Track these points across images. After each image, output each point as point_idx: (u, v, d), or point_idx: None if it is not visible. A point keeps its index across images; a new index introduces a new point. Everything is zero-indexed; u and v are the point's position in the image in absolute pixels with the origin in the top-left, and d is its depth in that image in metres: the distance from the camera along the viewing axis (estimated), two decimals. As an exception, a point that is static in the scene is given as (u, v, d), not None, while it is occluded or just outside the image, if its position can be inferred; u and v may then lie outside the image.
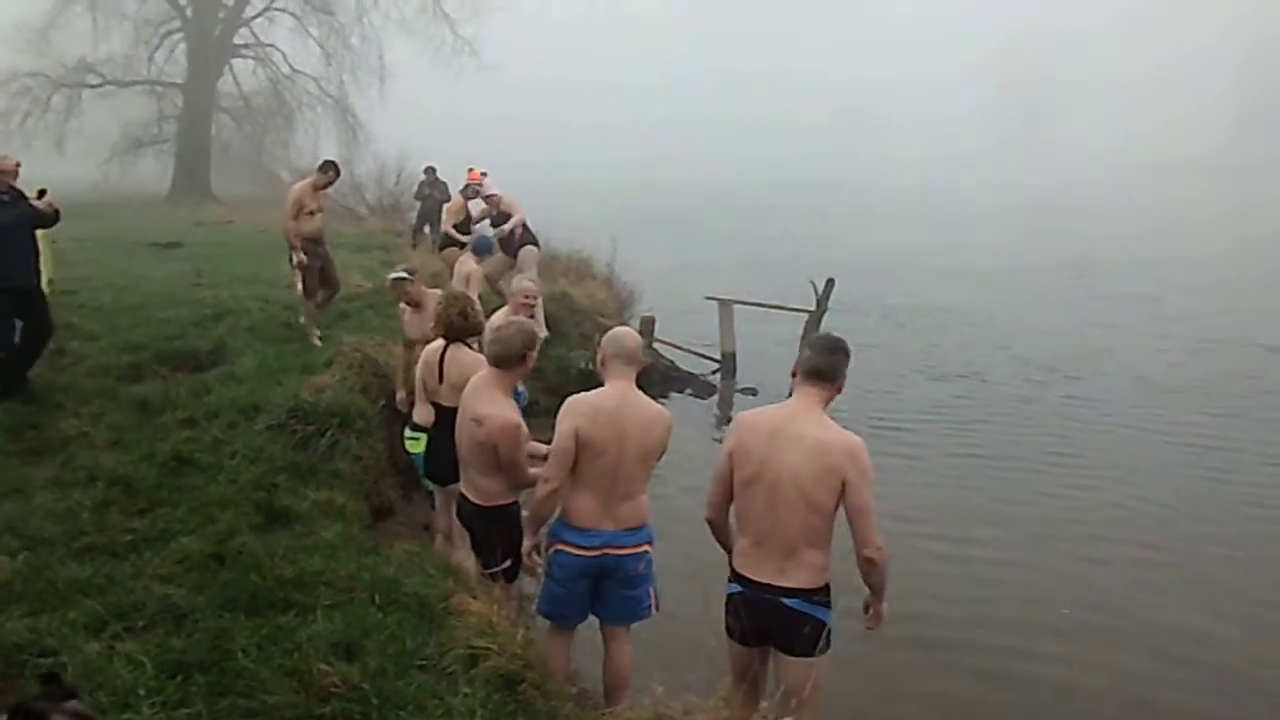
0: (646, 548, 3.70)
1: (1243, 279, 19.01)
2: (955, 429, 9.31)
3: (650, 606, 3.77)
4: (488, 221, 10.46)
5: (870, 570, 3.14)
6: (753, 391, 10.45)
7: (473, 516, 4.13)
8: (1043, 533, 6.82)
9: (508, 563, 3.98)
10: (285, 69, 29.99)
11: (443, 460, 4.78)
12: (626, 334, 3.74)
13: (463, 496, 4.28)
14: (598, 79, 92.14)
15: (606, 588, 3.71)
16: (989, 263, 21.61)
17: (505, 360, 3.93)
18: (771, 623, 3.20)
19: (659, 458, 3.69)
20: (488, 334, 4.32)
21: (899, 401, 10.00)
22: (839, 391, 3.25)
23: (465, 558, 4.64)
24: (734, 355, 10.90)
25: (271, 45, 29.87)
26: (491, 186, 9.90)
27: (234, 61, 29.76)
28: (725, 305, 11.06)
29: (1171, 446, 8.76)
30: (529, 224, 10.06)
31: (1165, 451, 8.62)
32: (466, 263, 8.19)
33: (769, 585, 3.17)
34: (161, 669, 3.19)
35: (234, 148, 30.70)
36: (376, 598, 3.78)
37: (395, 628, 3.52)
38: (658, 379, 10.65)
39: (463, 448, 4.04)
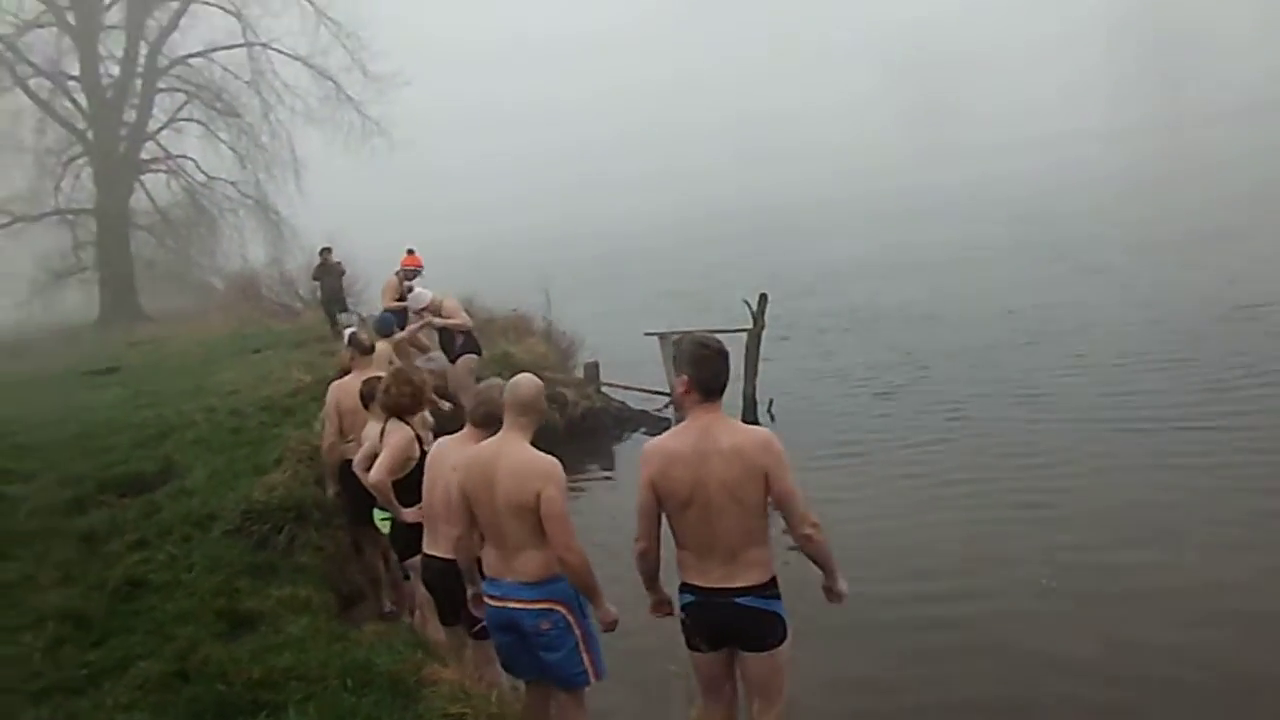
0: (550, 605, 3.45)
1: (1179, 239, 19.22)
2: (912, 447, 8.93)
3: (585, 674, 3.53)
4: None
5: (811, 548, 3.19)
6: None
7: (444, 573, 4.04)
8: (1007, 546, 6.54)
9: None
10: (200, 177, 29.80)
11: (407, 533, 4.81)
12: (521, 382, 3.65)
13: (430, 556, 4.22)
14: (504, 147, 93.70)
15: (529, 645, 3.53)
16: (922, 258, 21.98)
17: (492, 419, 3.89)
18: (728, 624, 3.23)
19: (556, 510, 3.35)
20: (471, 400, 4.25)
21: (851, 423, 9.88)
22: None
23: (439, 630, 4.59)
24: (683, 388, 10.99)
25: (183, 156, 29.69)
26: (426, 295, 9.09)
27: (144, 177, 29.48)
28: (665, 339, 11.16)
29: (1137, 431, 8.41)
30: (474, 332, 9.49)
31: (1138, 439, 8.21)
32: (381, 349, 8.08)
33: (720, 589, 3.20)
34: (132, 798, 3.09)
35: (158, 264, 30.28)
36: (349, 682, 3.71)
37: (370, 709, 3.47)
38: (610, 421, 10.79)
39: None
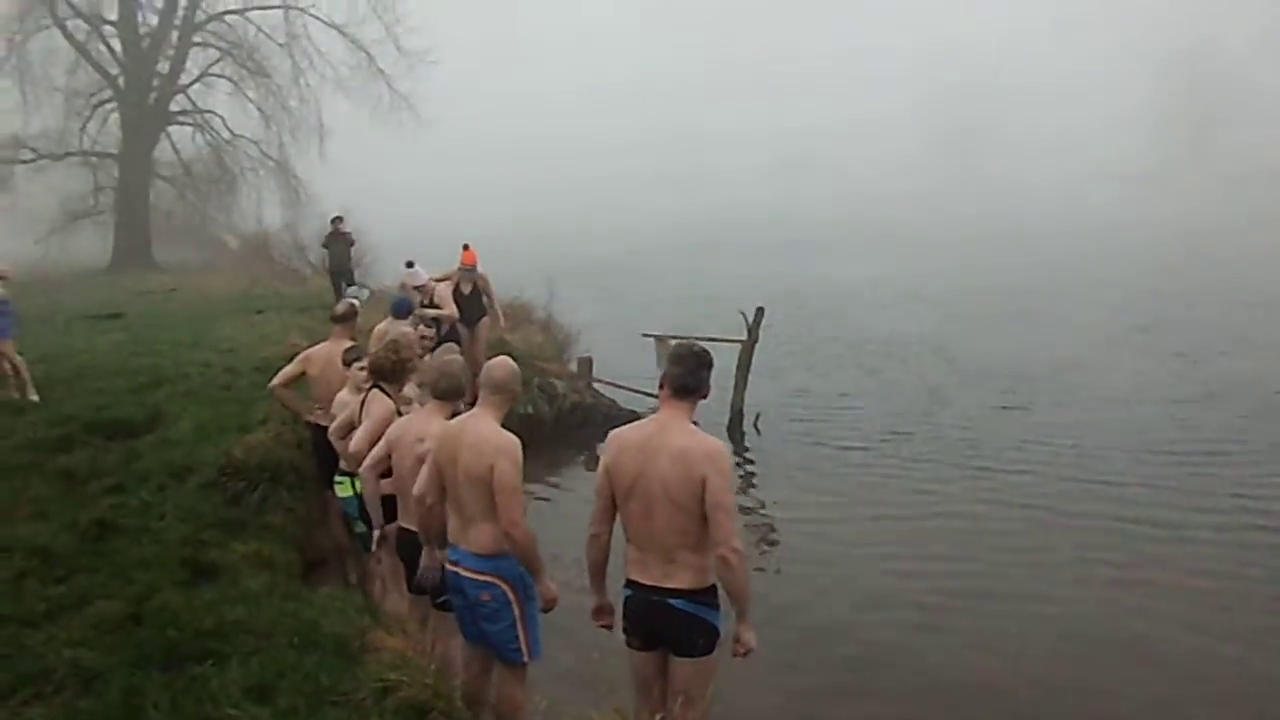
0: (492, 579, 3.56)
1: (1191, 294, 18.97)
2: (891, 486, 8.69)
3: (520, 652, 3.63)
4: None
5: (726, 572, 3.16)
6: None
7: (416, 546, 4.11)
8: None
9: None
10: (225, 134, 29.97)
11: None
12: (495, 364, 3.78)
13: (404, 529, 4.30)
14: (537, 136, 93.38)
15: (471, 614, 3.66)
16: (929, 290, 21.70)
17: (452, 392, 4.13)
18: (661, 624, 3.28)
19: (506, 484, 3.45)
20: (430, 373, 4.38)
21: (837, 455, 9.63)
22: (704, 398, 3.39)
23: (399, 601, 4.67)
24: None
25: (210, 111, 29.85)
26: (422, 275, 9.21)
27: (171, 129, 29.69)
28: (662, 341, 11.24)
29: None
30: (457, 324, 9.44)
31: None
32: (382, 325, 8.17)
33: (656, 587, 3.26)
34: (70, 731, 3.18)
35: (176, 215, 30.48)
36: (295, 640, 3.80)
37: (311, 667, 3.55)
38: (599, 418, 10.77)
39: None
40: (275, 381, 6.34)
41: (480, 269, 9.98)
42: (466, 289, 9.93)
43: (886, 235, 36.98)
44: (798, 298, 20.22)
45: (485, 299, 10.01)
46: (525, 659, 3.67)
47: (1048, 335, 15.75)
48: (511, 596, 3.59)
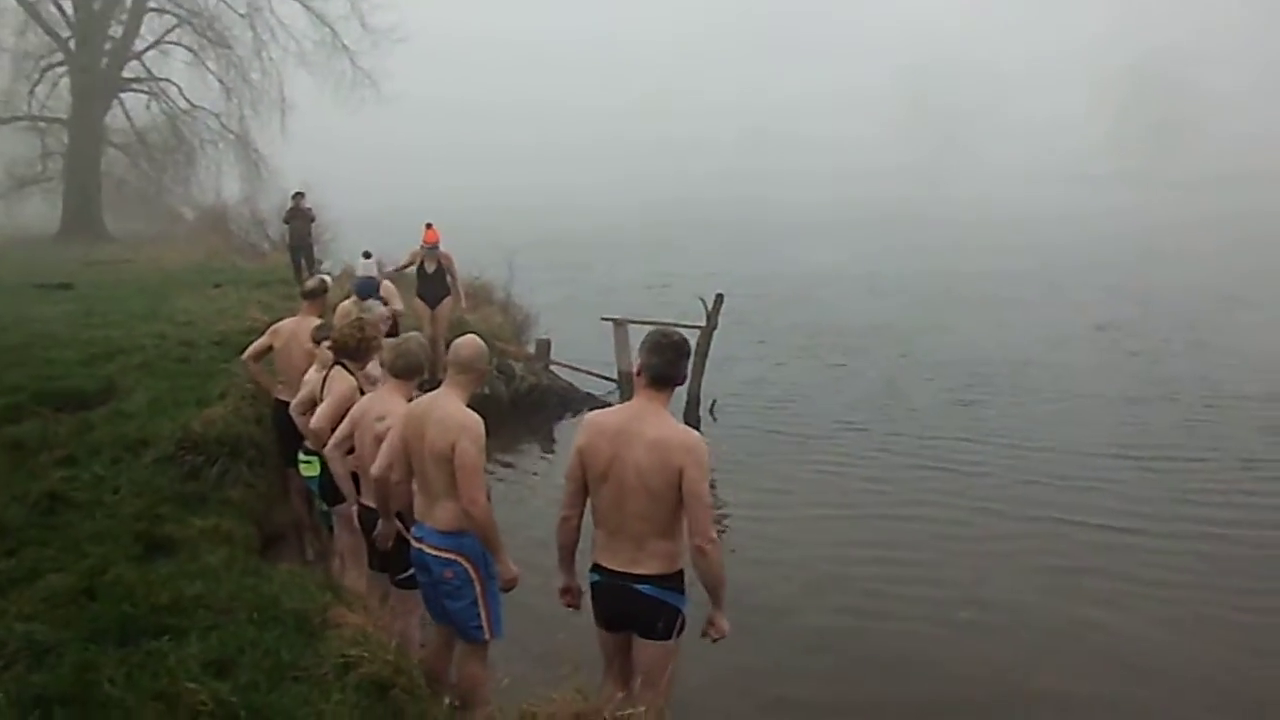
0: (454, 556, 3.58)
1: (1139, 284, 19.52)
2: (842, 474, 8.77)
3: (481, 630, 3.65)
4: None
5: (702, 561, 3.19)
6: None
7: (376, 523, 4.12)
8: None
9: (411, 570, 3.95)
10: (182, 104, 29.22)
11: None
12: (463, 343, 3.77)
13: (366, 506, 4.28)
14: (497, 100, 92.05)
15: (435, 591, 3.69)
16: (893, 276, 21.83)
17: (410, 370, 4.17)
18: (628, 608, 3.31)
19: (466, 462, 3.45)
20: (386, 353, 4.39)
21: (790, 448, 9.61)
22: (680, 385, 3.42)
23: (358, 579, 4.66)
24: (630, 374, 10.97)
25: (166, 80, 29.06)
26: (374, 268, 9.05)
27: (125, 96, 28.83)
28: (620, 325, 11.19)
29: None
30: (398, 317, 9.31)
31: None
32: (346, 303, 8.09)
33: (623, 573, 3.28)
34: (20, 705, 3.12)
35: (129, 184, 29.69)
36: (255, 616, 3.77)
37: (271, 643, 3.52)
38: (555, 401, 10.82)
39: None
40: (247, 354, 6.33)
41: (443, 247, 9.95)
42: (430, 268, 9.92)
43: (855, 216, 37.29)
44: (762, 283, 20.29)
45: (449, 278, 9.97)
46: (487, 637, 3.68)
47: (1008, 327, 15.94)
48: (473, 574, 3.60)
